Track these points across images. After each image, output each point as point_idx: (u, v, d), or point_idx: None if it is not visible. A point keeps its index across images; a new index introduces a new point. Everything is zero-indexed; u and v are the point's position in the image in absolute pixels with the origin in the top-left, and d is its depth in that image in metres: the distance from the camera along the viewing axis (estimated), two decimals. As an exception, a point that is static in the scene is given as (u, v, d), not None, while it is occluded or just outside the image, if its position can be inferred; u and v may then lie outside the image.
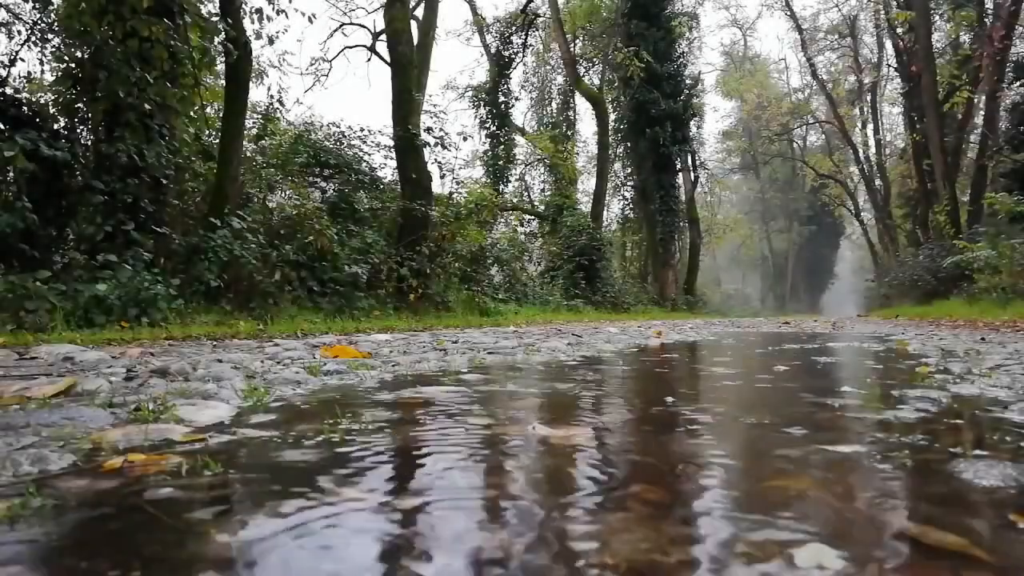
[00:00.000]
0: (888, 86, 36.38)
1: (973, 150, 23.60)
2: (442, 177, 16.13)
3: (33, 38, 8.63)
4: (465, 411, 1.85)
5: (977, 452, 1.30)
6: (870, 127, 36.95)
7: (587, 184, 33.15)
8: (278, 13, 9.76)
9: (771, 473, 1.19)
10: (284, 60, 27.95)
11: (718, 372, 3.24)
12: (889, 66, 33.62)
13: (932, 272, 19.99)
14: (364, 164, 14.43)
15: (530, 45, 30.22)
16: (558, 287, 20.95)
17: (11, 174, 7.06)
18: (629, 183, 31.67)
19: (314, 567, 0.75)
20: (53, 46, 8.71)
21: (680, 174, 30.16)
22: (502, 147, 28.09)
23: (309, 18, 11.36)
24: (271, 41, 10.02)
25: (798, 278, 57.47)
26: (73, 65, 7.89)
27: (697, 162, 32.37)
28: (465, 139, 16.53)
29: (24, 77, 8.81)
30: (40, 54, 8.80)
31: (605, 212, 29.94)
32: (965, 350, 4.21)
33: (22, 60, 8.54)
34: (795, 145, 48.48)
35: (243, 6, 9.51)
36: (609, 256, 24.61)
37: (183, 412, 1.70)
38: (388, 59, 14.48)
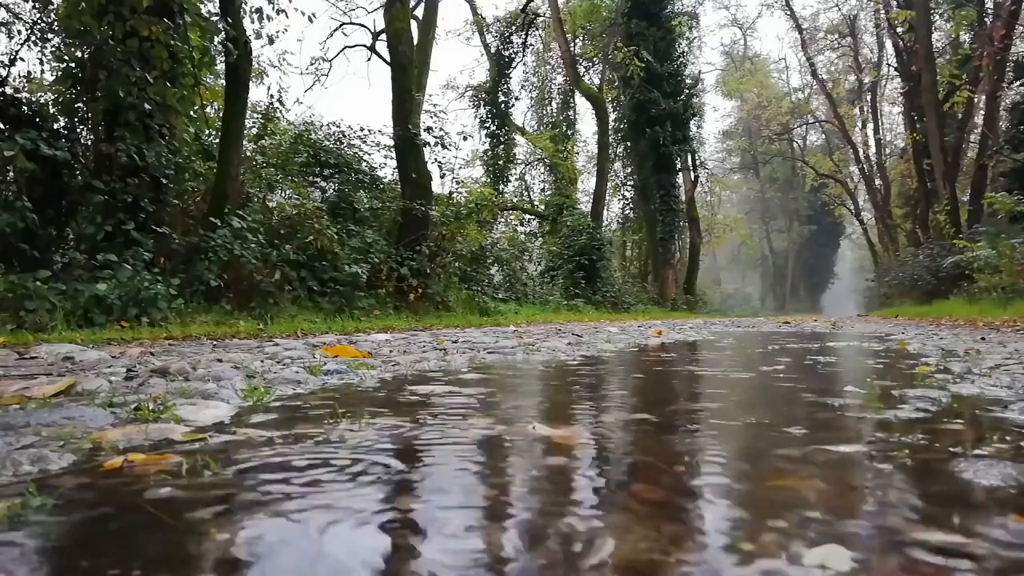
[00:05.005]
0: (888, 86, 36.43)
1: (973, 150, 23.61)
2: (442, 177, 16.15)
3: (33, 38, 8.63)
4: (465, 411, 1.85)
5: (977, 452, 1.30)
6: (870, 127, 37.00)
7: (587, 184, 33.19)
8: (278, 13, 9.76)
9: (771, 472, 1.19)
10: (284, 60, 28.03)
11: (718, 372, 3.24)
12: (889, 66, 33.65)
13: (932, 272, 19.99)
14: (364, 164, 14.43)
15: (530, 45, 30.25)
16: (558, 287, 20.94)
17: (11, 174, 7.06)
18: (629, 183, 31.67)
19: (314, 567, 0.75)
20: (53, 46, 8.71)
21: (680, 174, 30.15)
22: (502, 147, 28.08)
23: (309, 18, 11.38)
24: (271, 41, 10.03)
25: (798, 278, 57.46)
26: (73, 65, 7.88)
27: (697, 162, 32.34)
28: (465, 139, 16.56)
29: (24, 77, 8.82)
30: (40, 54, 8.81)
31: (605, 212, 29.95)
32: (965, 350, 4.21)
33: (22, 60, 8.55)
34: (795, 145, 48.48)
35: (243, 6, 9.51)
36: (609, 256, 24.61)
37: (183, 412, 1.70)
38: (388, 59, 14.49)
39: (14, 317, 5.59)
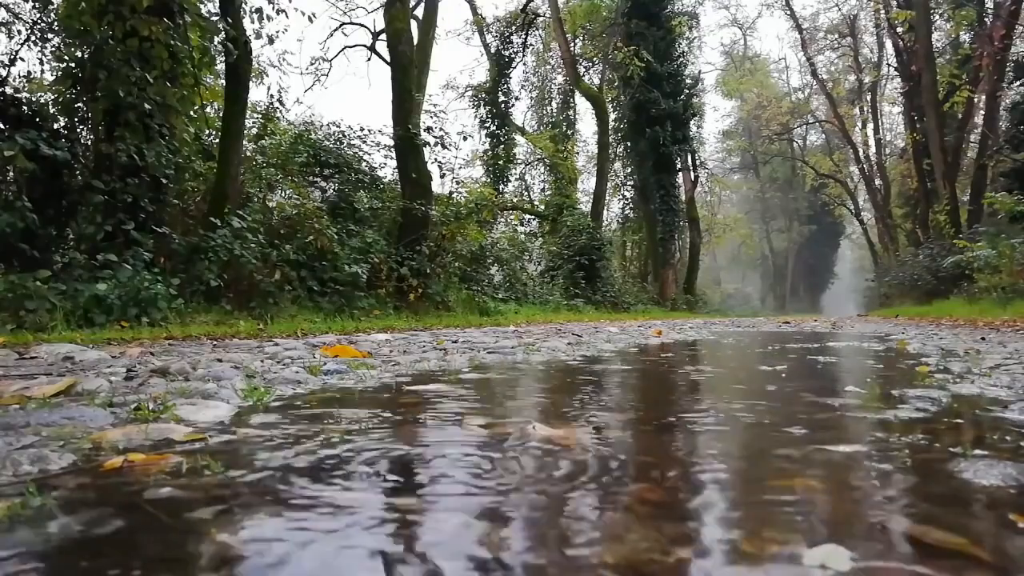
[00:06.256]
0: (888, 86, 36.40)
1: (973, 150, 23.60)
2: (442, 177, 16.16)
3: (33, 38, 8.63)
4: (465, 410, 1.85)
5: (977, 452, 1.30)
6: (870, 127, 36.97)
7: (587, 184, 33.19)
8: (278, 13, 9.76)
9: (771, 473, 1.19)
10: (284, 60, 28.00)
11: (718, 372, 3.24)
12: (889, 66, 33.64)
13: (932, 272, 20.00)
14: (364, 164, 14.42)
15: (530, 45, 30.26)
16: (558, 287, 20.94)
17: (11, 174, 7.06)
18: (629, 183, 31.67)
19: (314, 567, 0.75)
20: (53, 46, 8.71)
21: (680, 174, 30.16)
22: (502, 147, 28.09)
23: (309, 18, 11.37)
24: (271, 41, 10.02)
25: (798, 278, 57.45)
26: (73, 65, 7.88)
27: (697, 161, 32.34)
28: (465, 139, 16.55)
29: (24, 77, 8.81)
30: (40, 54, 8.81)
31: (605, 212, 29.96)
32: (965, 350, 4.21)
33: (22, 60, 8.54)
34: (795, 145, 48.46)
35: (243, 5, 9.50)
36: (609, 256, 24.60)
37: (183, 412, 1.70)
38: (388, 59, 14.48)
39: (14, 317, 5.59)
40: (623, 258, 33.23)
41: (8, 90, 7.72)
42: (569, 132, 29.78)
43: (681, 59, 28.96)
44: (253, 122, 13.48)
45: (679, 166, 29.62)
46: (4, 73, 7.99)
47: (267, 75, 15.08)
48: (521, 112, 32.94)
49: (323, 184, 13.80)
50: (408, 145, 12.69)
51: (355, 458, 1.27)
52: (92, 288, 6.31)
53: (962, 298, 15.76)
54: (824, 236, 56.20)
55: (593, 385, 2.61)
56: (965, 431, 1.59)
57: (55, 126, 7.89)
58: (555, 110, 31.02)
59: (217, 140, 10.30)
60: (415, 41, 15.15)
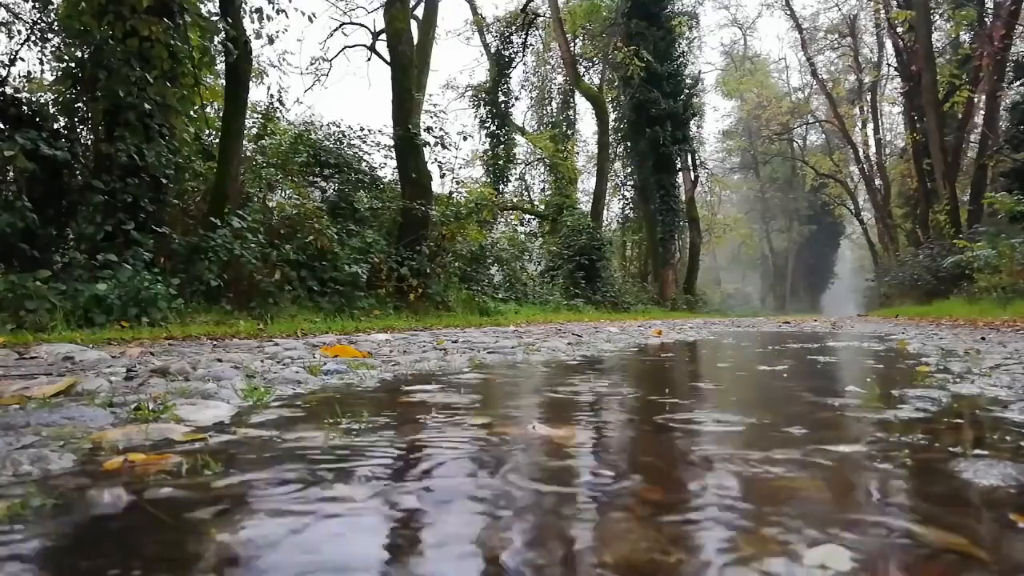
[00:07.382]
0: (888, 86, 36.40)
1: (973, 150, 23.60)
2: (442, 177, 16.17)
3: (33, 38, 8.62)
4: (465, 410, 1.85)
5: (977, 451, 1.30)
6: (870, 127, 36.97)
7: (587, 183, 33.22)
8: (278, 12, 9.76)
9: (771, 472, 1.19)
10: (284, 60, 27.99)
11: (718, 372, 3.24)
12: (889, 66, 33.63)
13: (932, 272, 20.00)
14: (364, 164, 14.43)
15: (530, 45, 30.27)
16: (558, 287, 20.95)
17: (11, 174, 7.06)
18: (629, 183, 31.69)
19: (314, 567, 0.75)
20: (53, 46, 8.70)
21: (680, 173, 30.17)
22: (502, 147, 28.09)
23: (309, 18, 11.38)
24: (271, 40, 10.03)
25: (798, 278, 57.44)
26: (73, 65, 7.88)
27: (697, 161, 32.36)
28: (465, 139, 16.57)
29: (24, 77, 8.80)
30: (40, 54, 8.80)
31: (605, 212, 29.98)
32: (965, 350, 4.21)
33: (22, 60, 8.53)
34: (795, 144, 48.46)
35: (243, 5, 9.50)
36: (609, 256, 24.61)
37: (183, 412, 1.70)
38: (388, 59, 14.49)
39: (14, 317, 5.59)
40: (623, 258, 33.24)
41: (8, 90, 7.72)
42: (569, 132, 29.79)
43: (681, 59, 28.97)
44: (253, 122, 13.48)
45: (679, 166, 29.64)
46: (4, 73, 7.98)
47: (267, 75, 15.10)
48: (521, 112, 33.02)
49: (323, 184, 13.80)
50: (408, 145, 12.69)
51: (355, 458, 1.27)
52: (92, 288, 6.31)
53: (962, 298, 15.76)
54: (824, 236, 56.19)
55: (593, 385, 2.61)
56: (965, 431, 1.59)
57: (55, 126, 7.89)
58: (555, 110, 31.04)
59: (217, 140, 10.30)
60: (415, 41, 15.16)
